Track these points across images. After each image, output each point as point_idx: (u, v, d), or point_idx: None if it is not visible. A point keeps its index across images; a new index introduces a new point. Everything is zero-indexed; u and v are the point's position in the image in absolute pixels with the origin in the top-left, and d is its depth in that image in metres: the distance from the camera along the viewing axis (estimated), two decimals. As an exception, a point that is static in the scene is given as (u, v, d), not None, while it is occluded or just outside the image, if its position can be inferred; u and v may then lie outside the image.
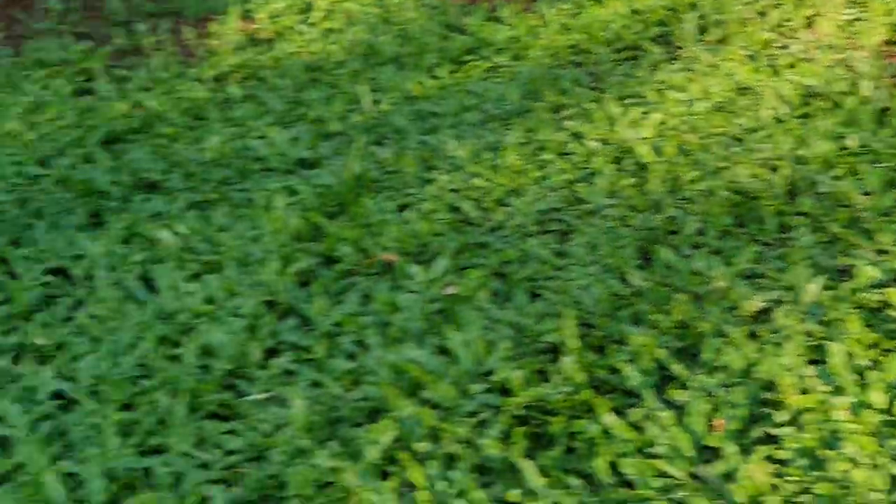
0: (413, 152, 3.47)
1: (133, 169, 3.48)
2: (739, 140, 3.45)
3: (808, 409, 2.19)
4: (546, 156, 3.36)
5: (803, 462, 2.08)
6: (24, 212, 3.22)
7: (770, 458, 2.08)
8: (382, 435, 2.16)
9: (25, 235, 3.05)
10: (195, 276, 2.82)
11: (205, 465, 2.20)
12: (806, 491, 2.01)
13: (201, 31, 4.88)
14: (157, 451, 2.23)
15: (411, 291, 2.69)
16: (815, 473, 2.06)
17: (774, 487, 2.02)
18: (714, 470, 2.09)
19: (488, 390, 2.31)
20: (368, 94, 4.01)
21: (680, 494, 2.05)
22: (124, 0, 5.25)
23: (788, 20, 4.25)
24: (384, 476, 2.11)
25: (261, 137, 3.74)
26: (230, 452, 2.23)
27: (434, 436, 2.17)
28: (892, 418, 2.18)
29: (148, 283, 2.81)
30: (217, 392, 2.36)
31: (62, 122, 3.90)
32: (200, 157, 3.61)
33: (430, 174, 3.31)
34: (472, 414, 2.23)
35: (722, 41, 4.25)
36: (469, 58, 4.32)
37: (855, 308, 2.53)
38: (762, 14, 4.38)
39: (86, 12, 5.16)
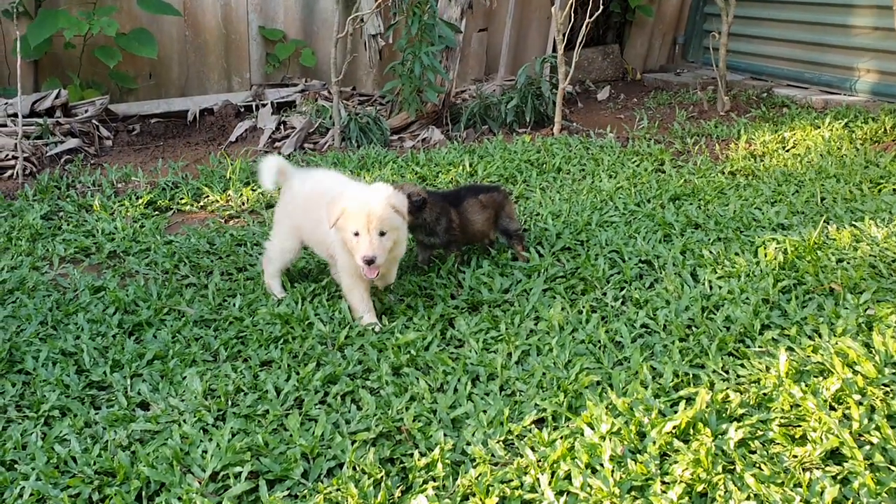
0: (847, 229, 3.94)
1: (687, 216, 4.32)
2: None
3: None
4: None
5: None
6: (629, 229, 4.12)
7: None
8: (832, 384, 2.54)
9: (630, 242, 3.92)
10: (719, 278, 3.44)
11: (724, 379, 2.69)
12: None
13: (723, 146, 6.05)
14: (701, 366, 2.82)
15: (846, 308, 3.11)
16: None
17: None
18: None
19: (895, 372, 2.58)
20: (819, 194, 4.58)
21: None
22: (687, 123, 6.57)
23: None
24: (834, 407, 2.47)
25: (757, 209, 4.47)
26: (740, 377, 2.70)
27: (862, 392, 2.52)
28: None
29: (694, 276, 3.57)
30: (734, 342, 2.93)
31: (646, 185, 4.95)
32: (725, 214, 4.40)
33: (858, 244, 3.75)
34: (886, 384, 2.56)
35: None
36: (881, 181, 4.87)
37: None
38: None
39: (659, 129, 6.55)
